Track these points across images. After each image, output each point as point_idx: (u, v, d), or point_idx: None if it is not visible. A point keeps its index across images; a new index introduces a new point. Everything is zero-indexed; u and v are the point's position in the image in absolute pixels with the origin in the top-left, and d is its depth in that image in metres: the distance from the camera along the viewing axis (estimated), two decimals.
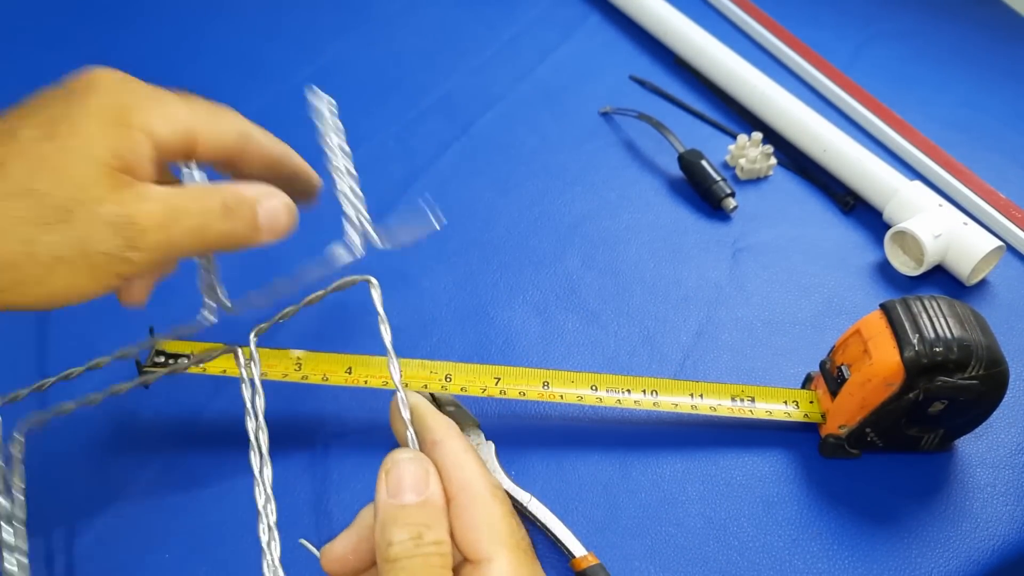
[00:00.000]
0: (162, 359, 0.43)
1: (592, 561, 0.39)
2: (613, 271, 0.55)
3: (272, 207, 0.33)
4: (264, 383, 0.35)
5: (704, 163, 0.60)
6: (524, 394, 0.44)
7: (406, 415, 0.32)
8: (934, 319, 0.42)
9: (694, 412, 0.45)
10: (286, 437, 0.45)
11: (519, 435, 0.45)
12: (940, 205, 0.55)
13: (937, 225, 0.54)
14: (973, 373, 0.41)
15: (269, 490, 0.33)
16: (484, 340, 0.50)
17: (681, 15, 0.72)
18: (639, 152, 0.64)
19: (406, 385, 0.43)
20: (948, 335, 0.41)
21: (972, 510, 0.44)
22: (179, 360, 0.43)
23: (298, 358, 0.44)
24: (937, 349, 0.40)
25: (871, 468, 0.45)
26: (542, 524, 0.41)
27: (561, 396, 0.44)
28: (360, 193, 0.36)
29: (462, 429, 0.44)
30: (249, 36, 0.71)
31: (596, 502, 0.43)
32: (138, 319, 0.47)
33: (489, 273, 0.54)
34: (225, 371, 0.43)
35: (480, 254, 0.55)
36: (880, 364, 0.41)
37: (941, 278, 0.55)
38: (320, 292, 0.35)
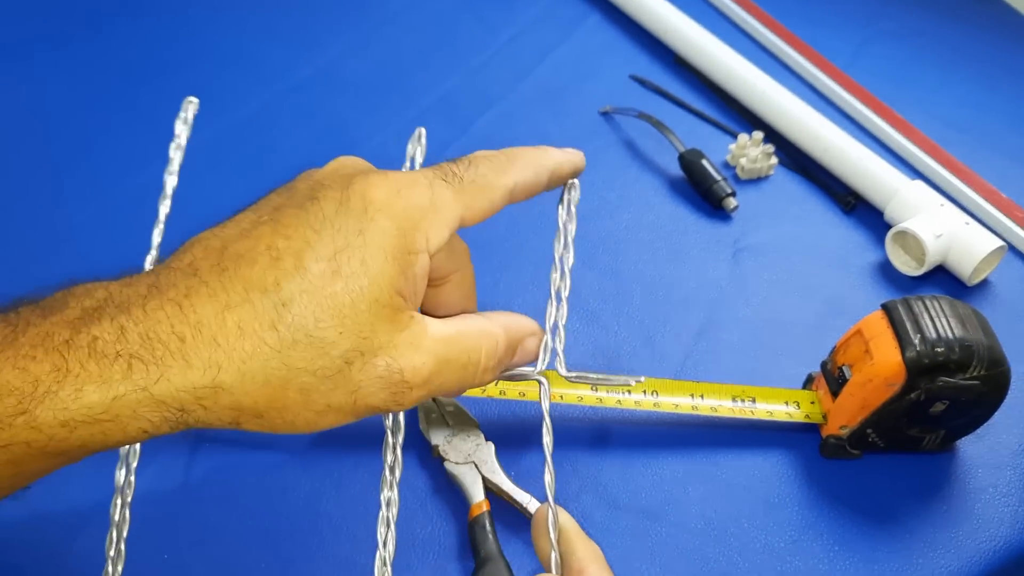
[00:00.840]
0: None
1: None
2: (613, 271, 0.55)
3: (530, 346, 0.33)
4: None
5: (705, 163, 0.60)
6: (524, 394, 0.44)
7: (554, 536, 0.30)
8: (936, 319, 0.41)
9: (695, 413, 0.45)
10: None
11: (519, 435, 0.45)
12: (941, 205, 0.55)
13: (938, 225, 0.54)
14: (975, 373, 0.40)
15: (396, 490, 0.33)
16: None
17: (681, 14, 0.72)
18: (639, 152, 0.64)
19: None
20: (950, 335, 0.41)
21: (974, 511, 0.44)
22: None
23: None
24: (939, 349, 0.40)
25: (872, 469, 0.45)
26: None
27: (561, 396, 0.44)
28: (565, 313, 0.34)
29: (461, 429, 0.44)
30: (249, 35, 0.71)
31: (596, 502, 0.43)
32: None
33: (489, 273, 0.54)
34: None
35: (480, 254, 0.55)
36: (881, 364, 0.41)
37: (942, 278, 0.55)
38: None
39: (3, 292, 0.50)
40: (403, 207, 0.29)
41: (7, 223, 0.55)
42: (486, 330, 0.31)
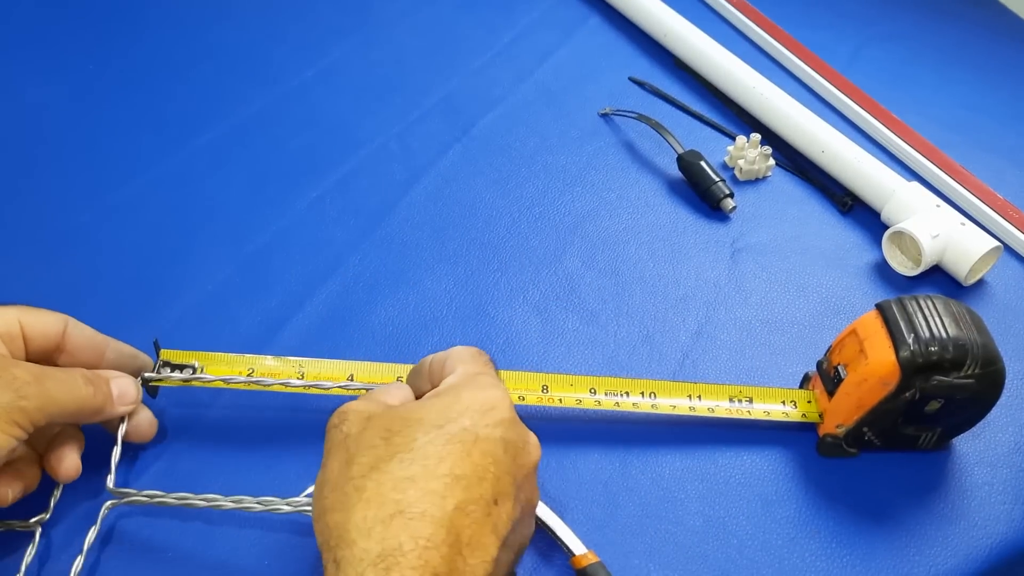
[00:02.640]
0: (168, 369, 0.44)
1: (592, 559, 0.40)
2: (613, 271, 0.55)
3: (122, 384, 0.41)
4: None
5: (703, 164, 0.60)
6: (523, 399, 0.44)
7: None
8: (929, 318, 0.42)
9: (692, 414, 0.45)
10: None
11: None
12: (938, 206, 0.56)
13: (935, 225, 0.54)
14: (969, 372, 0.41)
15: None
16: (484, 340, 0.50)
17: (680, 17, 0.72)
18: (638, 153, 0.64)
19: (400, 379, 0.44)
20: (944, 334, 0.41)
21: (969, 509, 0.44)
22: (185, 370, 0.44)
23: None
24: (933, 348, 0.41)
25: (868, 467, 0.45)
26: (542, 522, 0.41)
27: (560, 400, 0.45)
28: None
29: None
30: (252, 38, 0.71)
31: (596, 500, 0.43)
32: (142, 334, 0.48)
33: (489, 273, 0.54)
34: (227, 381, 0.43)
35: (480, 254, 0.56)
36: (876, 364, 0.42)
37: (939, 278, 0.56)
38: None
39: (6, 292, 0.51)
40: None
41: (11, 223, 0.55)
42: (76, 369, 0.39)
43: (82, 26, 0.71)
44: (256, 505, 0.40)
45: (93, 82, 0.66)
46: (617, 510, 0.43)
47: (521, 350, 0.50)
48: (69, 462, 0.39)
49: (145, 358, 0.44)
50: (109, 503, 0.40)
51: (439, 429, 0.33)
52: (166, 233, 0.56)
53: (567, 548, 0.40)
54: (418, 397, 0.39)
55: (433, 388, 0.38)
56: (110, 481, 0.40)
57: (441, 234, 0.57)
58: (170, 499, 0.40)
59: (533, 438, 0.36)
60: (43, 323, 0.39)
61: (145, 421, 0.42)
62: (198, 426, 0.45)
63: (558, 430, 0.46)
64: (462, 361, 0.38)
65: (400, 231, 0.57)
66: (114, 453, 0.41)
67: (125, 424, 0.41)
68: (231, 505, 0.40)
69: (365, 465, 0.32)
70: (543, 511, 0.41)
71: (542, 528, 0.41)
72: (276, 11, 0.74)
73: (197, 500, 0.40)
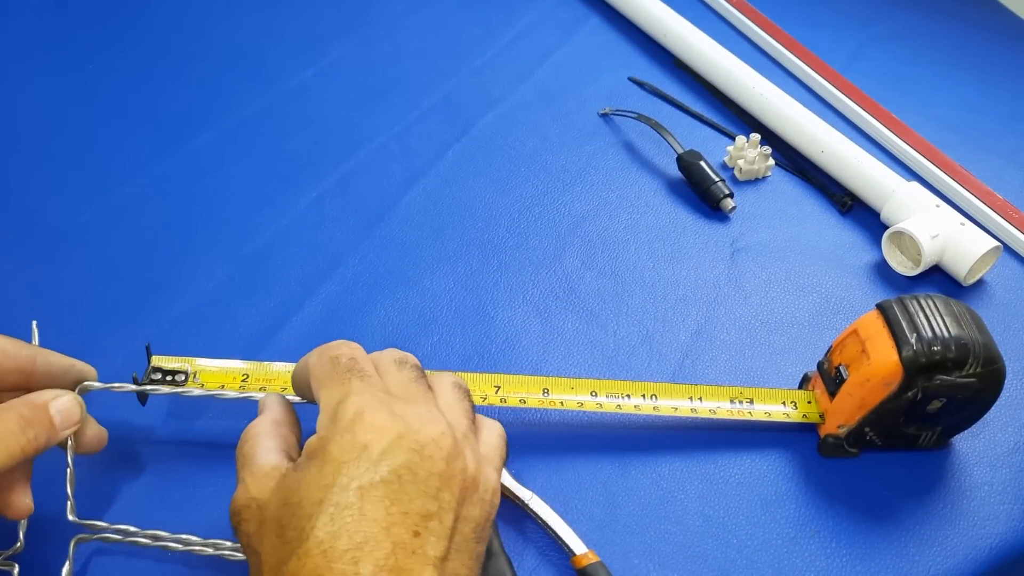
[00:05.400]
0: (159, 375, 0.43)
1: (592, 559, 0.40)
2: (612, 271, 0.55)
3: (62, 405, 0.36)
4: None
5: (703, 164, 0.60)
6: (524, 401, 0.44)
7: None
8: (931, 318, 0.42)
9: (694, 416, 0.45)
10: None
11: (520, 434, 0.45)
12: (937, 206, 0.56)
13: (934, 225, 0.54)
14: (971, 371, 0.41)
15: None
16: (484, 340, 0.50)
17: (680, 17, 0.72)
18: (638, 153, 0.64)
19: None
20: (945, 334, 0.41)
21: (969, 508, 0.44)
22: (176, 376, 0.43)
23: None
24: (935, 348, 0.41)
25: (868, 466, 0.45)
26: (543, 522, 0.41)
27: (561, 403, 0.45)
28: None
29: None
30: (251, 38, 0.71)
31: (596, 500, 0.43)
32: (141, 334, 0.48)
33: (489, 273, 0.54)
34: (223, 386, 0.43)
35: (480, 254, 0.56)
36: (878, 364, 0.42)
37: (938, 278, 0.56)
38: None
39: (6, 291, 0.51)
40: None
41: (8, 224, 0.55)
42: (11, 401, 0.36)
43: (80, 25, 0.71)
44: (236, 554, 0.38)
45: (91, 82, 0.66)
46: (617, 510, 0.43)
47: (521, 350, 0.50)
48: (18, 501, 0.36)
49: (84, 367, 0.40)
50: (76, 537, 0.38)
51: (319, 505, 0.30)
52: (165, 233, 0.55)
53: (567, 547, 0.40)
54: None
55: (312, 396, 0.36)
56: (69, 511, 0.38)
57: (441, 234, 0.57)
58: (142, 539, 0.38)
59: (431, 431, 0.32)
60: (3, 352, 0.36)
61: (92, 435, 0.39)
62: (187, 436, 0.45)
63: (559, 430, 0.46)
64: (316, 379, 0.35)
65: (400, 231, 0.57)
66: (68, 478, 0.38)
67: (71, 444, 0.38)
68: (209, 551, 0.38)
69: (272, 567, 0.31)
70: (543, 510, 0.41)
71: (542, 527, 0.41)
72: (276, 11, 0.74)
73: (172, 543, 0.38)
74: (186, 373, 0.43)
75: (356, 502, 0.30)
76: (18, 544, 0.38)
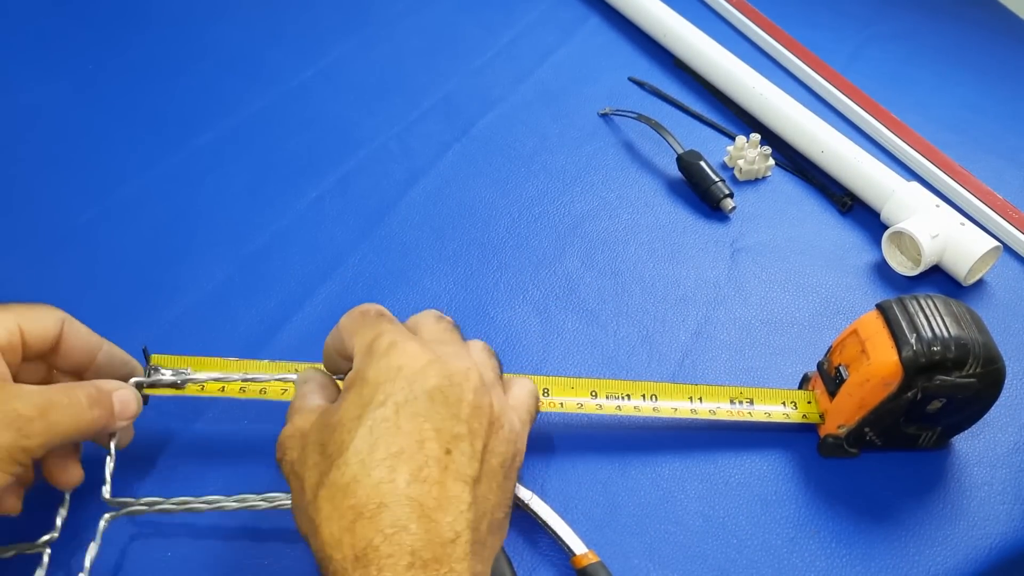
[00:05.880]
0: (159, 374, 0.43)
1: (592, 559, 0.40)
2: (612, 271, 0.55)
3: (124, 396, 0.39)
4: None
5: (703, 164, 0.60)
6: None
7: None
8: (931, 318, 0.42)
9: (694, 416, 0.45)
10: None
11: None
12: (937, 206, 0.56)
13: (934, 225, 0.54)
14: (971, 371, 0.41)
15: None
16: (484, 339, 0.50)
17: (680, 17, 0.72)
18: (638, 153, 0.64)
19: None
20: (945, 334, 0.41)
21: (969, 508, 0.44)
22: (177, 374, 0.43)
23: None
24: (935, 348, 0.41)
25: (868, 466, 0.45)
26: (543, 522, 0.41)
27: (561, 404, 0.45)
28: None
29: None
30: (252, 38, 0.71)
31: (596, 500, 0.43)
32: (141, 334, 0.48)
33: (489, 273, 0.54)
34: (224, 388, 0.43)
35: (480, 254, 0.56)
36: (878, 364, 0.42)
37: (938, 278, 0.56)
38: None
39: (6, 292, 0.51)
40: None
41: (8, 223, 0.55)
42: (77, 383, 0.38)
43: (80, 25, 0.71)
44: (261, 503, 0.39)
45: (91, 82, 0.66)
46: (617, 510, 0.43)
47: (521, 350, 0.50)
48: (72, 471, 0.38)
49: (136, 365, 0.42)
50: (108, 515, 0.39)
51: (358, 420, 0.32)
52: (165, 233, 0.56)
53: (567, 548, 0.40)
54: (338, 374, 0.39)
55: (346, 362, 0.37)
56: (106, 491, 0.39)
57: (441, 234, 0.57)
58: (170, 504, 0.40)
59: (460, 365, 0.35)
60: (42, 327, 0.38)
61: (129, 429, 0.41)
62: (190, 435, 0.45)
63: (559, 430, 0.46)
64: (348, 332, 0.37)
65: (400, 231, 0.57)
66: (108, 464, 0.39)
67: (117, 435, 0.40)
68: (235, 505, 0.39)
69: (314, 485, 0.32)
70: (543, 510, 0.41)
71: (542, 527, 0.41)
72: (276, 10, 0.74)
73: (198, 503, 0.40)
74: (186, 373, 0.43)
75: (392, 416, 0.32)
76: (55, 533, 0.38)
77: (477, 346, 0.39)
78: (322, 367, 0.40)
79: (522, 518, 0.42)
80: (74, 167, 0.59)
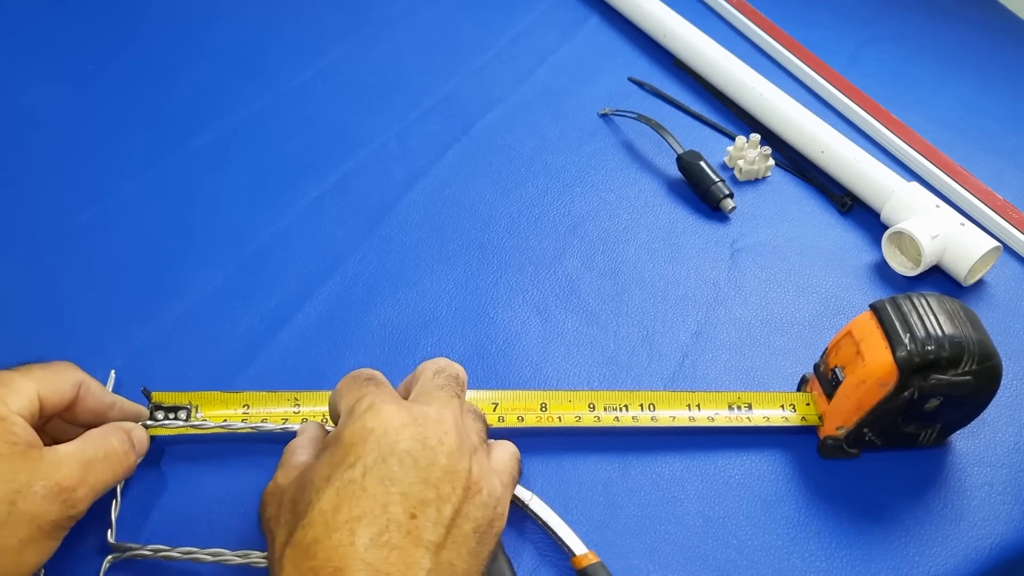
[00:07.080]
0: (162, 415, 0.43)
1: (592, 559, 0.40)
2: (612, 271, 0.55)
3: (140, 435, 0.41)
4: None
5: (703, 164, 0.60)
6: (522, 419, 0.44)
7: None
8: (924, 317, 0.42)
9: (692, 424, 0.45)
10: None
11: (520, 435, 0.45)
12: (937, 206, 0.56)
13: (934, 226, 0.54)
14: (966, 369, 0.41)
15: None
16: (484, 340, 0.50)
17: (680, 17, 0.72)
18: (638, 153, 0.64)
19: None
20: (939, 332, 0.41)
21: (969, 509, 0.44)
22: (179, 413, 0.43)
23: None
24: (929, 347, 0.41)
25: (868, 467, 0.45)
26: (543, 522, 0.41)
27: (559, 419, 0.45)
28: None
29: None
30: (252, 37, 0.71)
31: (596, 501, 0.43)
32: (141, 335, 0.48)
33: (489, 273, 0.54)
34: (226, 420, 0.43)
35: (480, 254, 0.56)
36: (873, 365, 0.42)
37: (938, 279, 0.56)
38: None
39: (7, 292, 0.51)
40: None
41: (8, 224, 0.55)
42: (106, 430, 0.39)
43: (79, 25, 0.71)
44: (261, 560, 0.39)
45: (91, 82, 0.66)
46: (617, 510, 0.43)
47: (521, 350, 0.50)
48: None
49: (147, 413, 0.43)
50: (110, 557, 0.39)
51: (327, 481, 0.32)
52: (164, 234, 0.56)
53: (567, 548, 0.40)
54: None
55: None
56: (110, 536, 0.39)
57: (440, 234, 0.57)
58: (175, 553, 0.39)
59: (436, 429, 0.34)
60: (60, 392, 0.38)
61: (144, 436, 0.42)
62: (191, 464, 0.44)
63: (559, 431, 0.46)
64: (339, 394, 0.38)
65: (400, 231, 0.57)
66: (114, 506, 0.40)
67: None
68: (238, 560, 0.39)
69: (282, 543, 0.32)
70: (543, 511, 0.41)
71: (542, 528, 0.41)
72: (275, 10, 0.74)
73: (203, 555, 0.39)
74: (188, 409, 0.43)
75: (359, 478, 0.32)
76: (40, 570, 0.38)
77: (466, 407, 0.38)
78: (327, 414, 0.42)
79: (522, 518, 0.42)
80: (73, 167, 0.59)
